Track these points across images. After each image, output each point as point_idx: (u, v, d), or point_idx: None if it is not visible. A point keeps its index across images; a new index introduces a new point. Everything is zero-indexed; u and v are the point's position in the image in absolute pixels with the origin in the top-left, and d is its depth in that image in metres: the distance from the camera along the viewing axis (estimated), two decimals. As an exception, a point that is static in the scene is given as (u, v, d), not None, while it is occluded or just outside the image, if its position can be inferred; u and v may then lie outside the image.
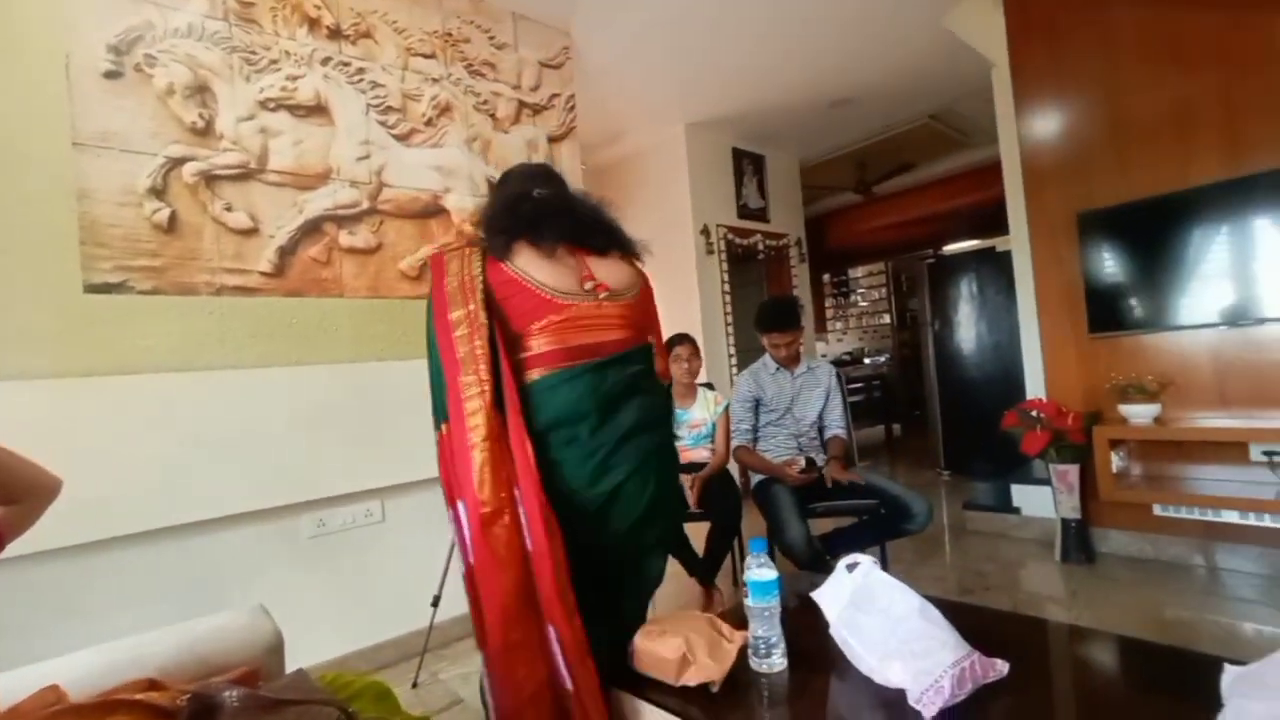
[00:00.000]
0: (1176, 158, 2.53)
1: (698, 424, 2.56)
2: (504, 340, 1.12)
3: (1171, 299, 2.59)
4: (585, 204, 1.30)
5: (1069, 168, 2.83)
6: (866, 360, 7.68)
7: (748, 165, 4.74)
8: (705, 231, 4.35)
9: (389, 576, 2.31)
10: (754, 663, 1.03)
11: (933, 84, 4.09)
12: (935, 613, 0.93)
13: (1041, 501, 3.00)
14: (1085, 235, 2.76)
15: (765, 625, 1.03)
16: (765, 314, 2.47)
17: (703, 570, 2.36)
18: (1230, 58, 2.41)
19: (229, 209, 1.99)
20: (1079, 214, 2.76)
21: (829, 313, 8.13)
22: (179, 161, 1.89)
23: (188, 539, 1.91)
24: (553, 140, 2.98)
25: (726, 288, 4.48)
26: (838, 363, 7.74)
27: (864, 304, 7.92)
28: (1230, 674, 0.81)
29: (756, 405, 2.50)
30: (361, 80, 2.31)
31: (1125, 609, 2.28)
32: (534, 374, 1.15)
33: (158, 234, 1.85)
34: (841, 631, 0.98)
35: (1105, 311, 2.74)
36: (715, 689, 0.96)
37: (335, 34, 2.27)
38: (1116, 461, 2.66)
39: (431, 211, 2.51)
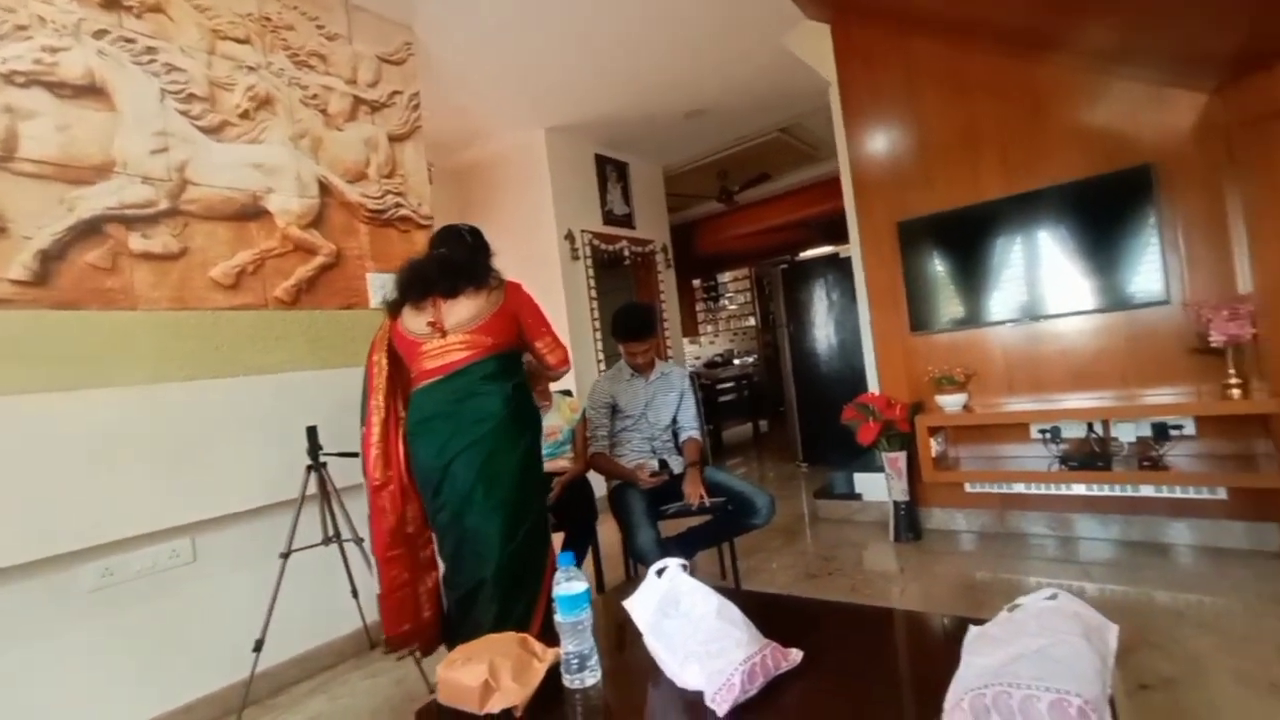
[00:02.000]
0: (969, 175, 2.88)
1: (553, 431, 2.52)
2: (406, 368, 1.84)
3: (972, 300, 2.95)
4: (447, 259, 1.79)
5: (889, 181, 3.14)
6: (736, 361, 8.06)
7: (611, 172, 4.79)
8: (570, 237, 4.33)
9: (203, 624, 2.04)
10: (567, 679, 1.01)
11: (779, 99, 4.37)
12: (733, 611, 0.96)
13: (880, 487, 3.29)
14: (904, 242, 3.07)
15: (576, 640, 1.01)
16: (620, 323, 2.48)
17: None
18: (1000, 92, 2.79)
19: (-39, 205, 1.66)
20: (898, 223, 3.06)
21: (700, 316, 8.44)
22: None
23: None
24: (395, 139, 2.81)
25: (593, 293, 4.49)
26: (710, 364, 8.06)
27: (733, 307, 8.32)
28: (971, 633, 0.91)
29: (612, 411, 2.51)
30: (153, 62, 2.03)
31: (944, 578, 2.55)
32: (415, 387, 1.79)
33: None
34: (650, 638, 0.98)
35: (922, 312, 3.07)
36: (518, 714, 0.92)
37: (113, 4, 1.96)
38: (935, 446, 2.97)
39: (250, 214, 2.26)
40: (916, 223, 3.02)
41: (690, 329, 8.23)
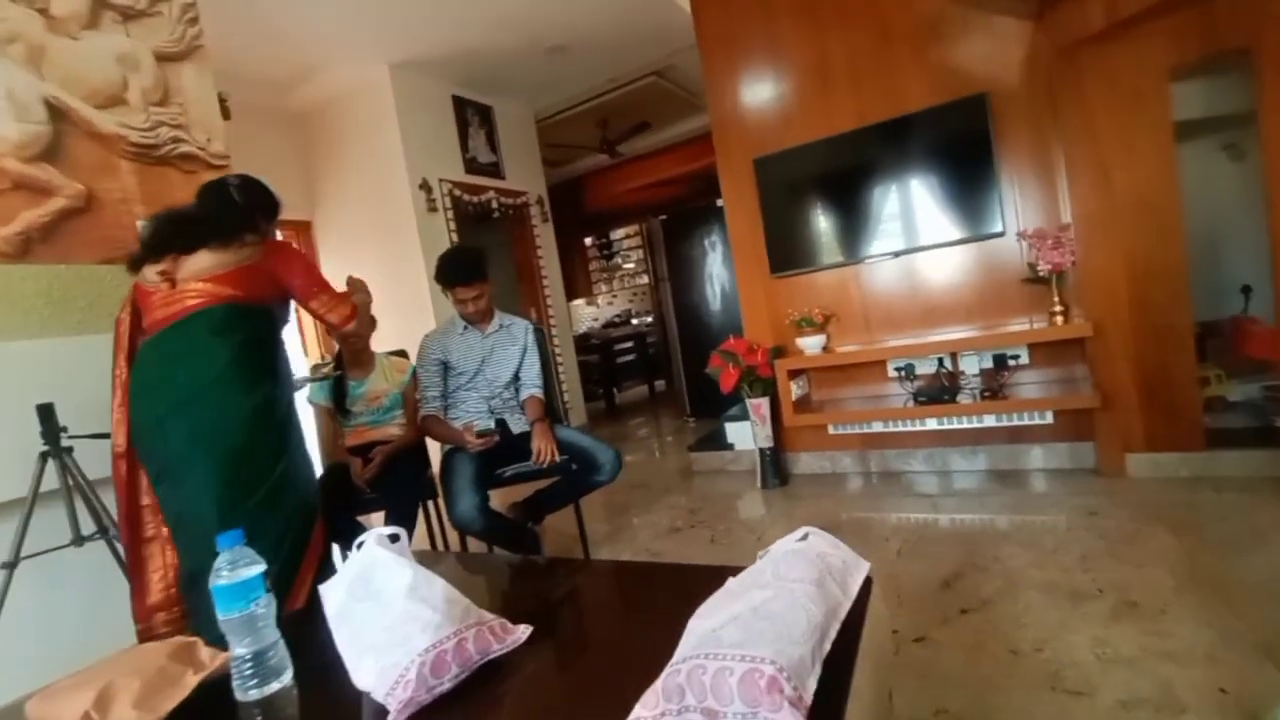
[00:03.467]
0: (821, 108, 2.80)
1: (377, 396, 2.24)
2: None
3: (827, 239, 2.90)
4: (185, 215, 1.64)
5: (748, 116, 3.00)
6: (634, 320, 7.93)
7: (473, 115, 4.39)
8: (425, 187, 3.93)
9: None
10: (239, 693, 0.79)
11: (645, 35, 4.11)
12: (433, 588, 0.77)
13: (751, 435, 3.24)
14: (761, 180, 2.96)
15: (248, 640, 0.78)
16: (446, 266, 2.21)
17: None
18: (850, 21, 2.70)
19: None
20: (755, 160, 2.95)
21: (594, 275, 8.19)
22: None
23: None
24: (166, 59, 2.33)
25: (456, 248, 4.13)
26: (608, 324, 7.88)
27: (629, 265, 8.12)
28: (720, 591, 0.77)
29: (445, 369, 2.25)
30: None
31: (804, 522, 2.44)
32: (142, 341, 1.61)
33: None
34: (335, 628, 0.78)
35: (781, 252, 2.99)
36: (131, 752, 0.70)
37: None
38: (796, 390, 2.94)
39: (-66, 139, 1.77)
40: (772, 159, 2.91)
41: (584, 289, 7.99)
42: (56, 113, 2.02)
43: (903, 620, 1.61)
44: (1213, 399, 2.39)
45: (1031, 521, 2.14)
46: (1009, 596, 1.64)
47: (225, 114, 2.63)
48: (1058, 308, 2.37)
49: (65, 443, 1.76)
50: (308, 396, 2.23)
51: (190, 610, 1.51)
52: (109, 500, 1.78)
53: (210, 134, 2.45)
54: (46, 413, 1.73)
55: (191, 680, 0.76)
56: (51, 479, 1.73)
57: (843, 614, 0.65)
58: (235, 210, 1.65)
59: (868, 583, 0.76)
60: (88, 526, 1.77)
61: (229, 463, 1.44)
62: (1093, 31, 2.03)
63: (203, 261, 1.55)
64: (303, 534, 1.52)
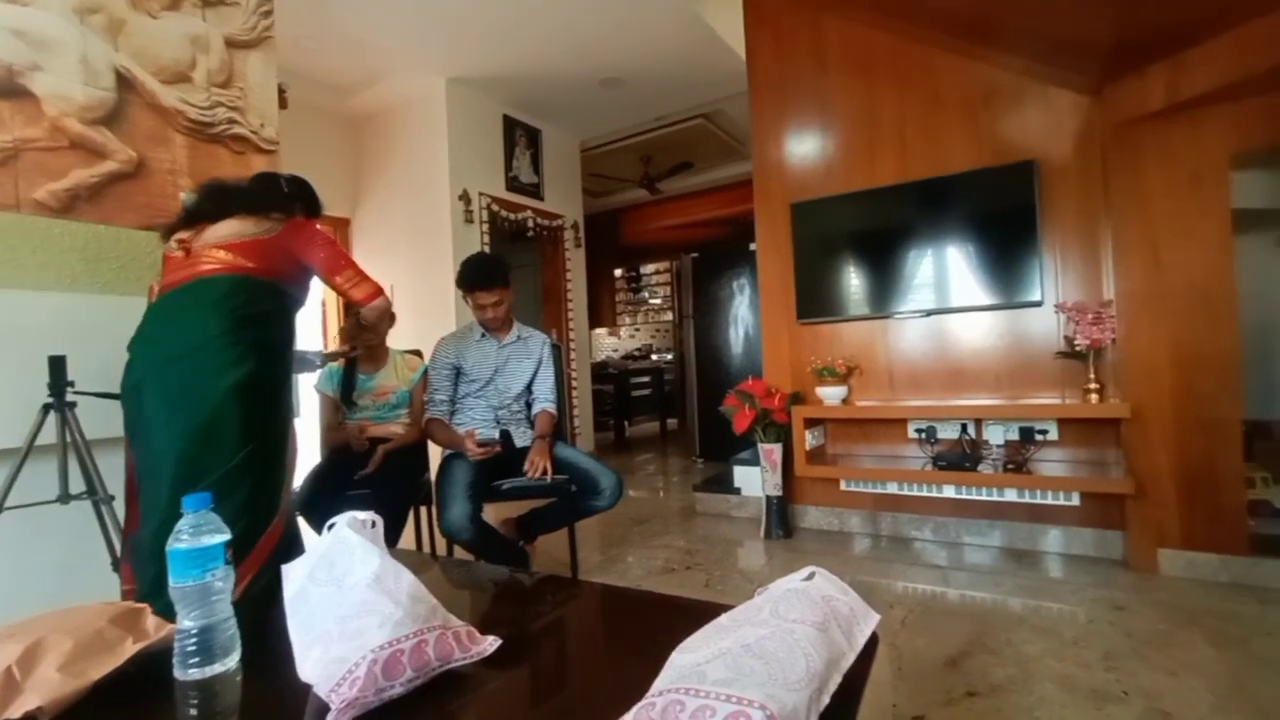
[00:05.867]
0: (865, 160, 2.79)
1: (384, 392, 2.21)
2: None
3: (858, 290, 2.85)
4: (223, 187, 1.65)
5: (789, 164, 3.01)
6: (654, 356, 7.90)
7: (521, 136, 4.49)
8: (465, 198, 4.00)
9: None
10: (178, 670, 0.73)
11: (697, 77, 4.19)
12: (403, 582, 0.71)
13: (760, 482, 3.14)
14: (797, 224, 2.94)
15: (197, 613, 0.72)
16: (469, 270, 2.21)
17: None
18: (902, 78, 2.71)
19: None
20: (792, 205, 2.93)
21: (619, 306, 8.20)
22: None
23: None
24: (236, 46, 2.42)
25: (487, 261, 4.16)
26: (627, 356, 7.86)
27: (655, 301, 8.14)
28: (717, 620, 0.70)
29: (457, 374, 2.23)
30: None
31: (802, 576, 2.40)
32: None
33: None
34: (289, 613, 0.72)
35: (810, 299, 2.94)
36: (44, 718, 0.64)
37: None
38: (812, 440, 2.85)
39: (3, 90, 1.83)
40: (810, 205, 2.90)
41: (609, 319, 8.00)
42: (124, 82, 2.09)
43: (901, 694, 1.48)
44: (1257, 503, 2.24)
45: (1049, 608, 1.99)
46: (1022, 685, 1.51)
47: (283, 104, 2.71)
48: (1093, 385, 2.27)
49: (70, 397, 1.74)
50: (315, 384, 2.21)
51: (136, 575, 1.41)
52: (102, 462, 1.76)
53: (265, 120, 2.52)
54: (57, 365, 1.72)
55: (129, 649, 0.71)
56: (49, 434, 1.71)
57: (845, 666, 0.57)
58: (278, 193, 1.66)
59: (874, 638, 0.68)
60: (76, 486, 1.75)
61: (189, 438, 1.37)
62: (1152, 110, 2.00)
63: (226, 229, 1.55)
64: (251, 531, 1.36)
